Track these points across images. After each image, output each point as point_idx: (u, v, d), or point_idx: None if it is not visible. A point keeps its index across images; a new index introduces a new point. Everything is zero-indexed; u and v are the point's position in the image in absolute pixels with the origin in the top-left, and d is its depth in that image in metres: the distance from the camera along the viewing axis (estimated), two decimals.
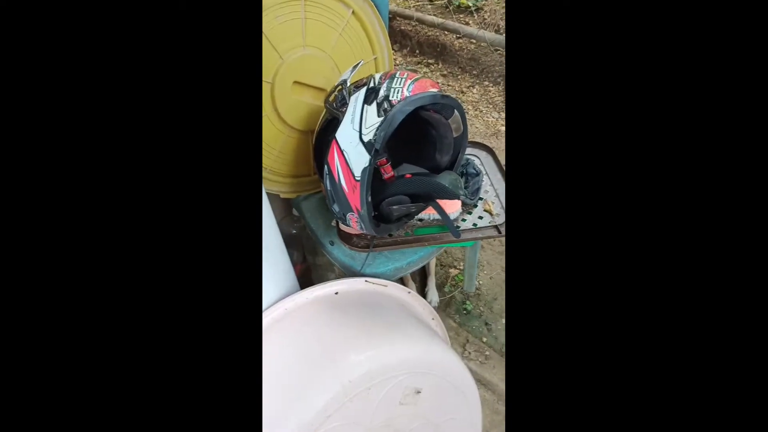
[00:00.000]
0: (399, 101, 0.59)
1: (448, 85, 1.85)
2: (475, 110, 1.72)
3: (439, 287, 1.11)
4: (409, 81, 0.62)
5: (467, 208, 0.79)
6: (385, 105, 0.59)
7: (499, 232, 0.72)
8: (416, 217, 0.69)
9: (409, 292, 0.75)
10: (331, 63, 0.75)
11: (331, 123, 0.63)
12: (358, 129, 0.58)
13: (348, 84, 0.64)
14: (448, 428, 0.63)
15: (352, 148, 0.58)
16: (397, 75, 0.64)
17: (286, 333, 0.61)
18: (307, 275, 1.00)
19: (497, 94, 1.76)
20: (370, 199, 0.57)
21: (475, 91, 1.81)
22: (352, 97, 0.62)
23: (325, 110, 0.66)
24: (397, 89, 0.61)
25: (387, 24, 0.83)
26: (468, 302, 1.09)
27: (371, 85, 0.63)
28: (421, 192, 0.63)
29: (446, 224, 0.63)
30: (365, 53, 0.81)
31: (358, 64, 0.67)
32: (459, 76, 1.89)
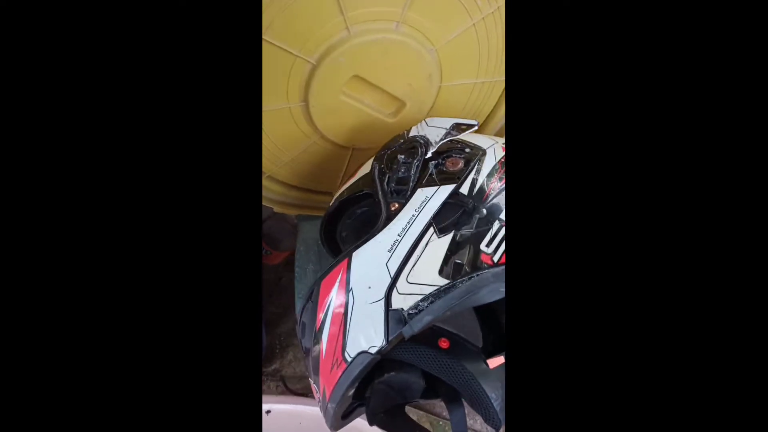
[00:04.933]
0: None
1: None
2: None
3: None
4: None
5: None
6: (470, 253, 0.29)
7: None
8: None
9: None
10: (433, 64, 0.42)
11: (363, 204, 0.34)
12: (395, 271, 0.29)
13: (429, 152, 0.33)
14: None
15: (365, 299, 0.29)
16: None
17: None
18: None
19: None
20: (351, 393, 0.31)
21: None
22: (419, 192, 0.31)
23: (370, 168, 0.36)
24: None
25: None
26: None
27: (469, 188, 0.31)
28: (445, 381, 0.36)
29: None
30: None
31: (473, 125, 0.34)
32: None
